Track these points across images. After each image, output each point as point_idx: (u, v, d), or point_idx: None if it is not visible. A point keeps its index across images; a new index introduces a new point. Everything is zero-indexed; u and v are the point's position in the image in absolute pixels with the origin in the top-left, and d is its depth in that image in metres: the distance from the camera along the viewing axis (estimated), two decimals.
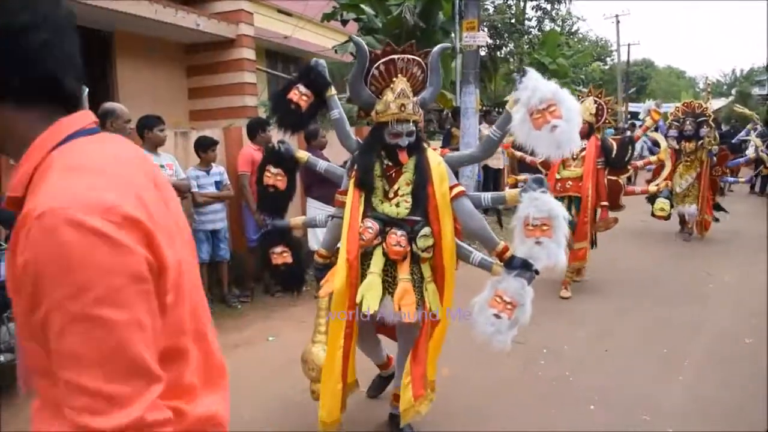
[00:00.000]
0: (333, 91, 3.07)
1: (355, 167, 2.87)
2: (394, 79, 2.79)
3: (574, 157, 5.54)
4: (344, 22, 11.43)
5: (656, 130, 7.83)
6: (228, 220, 5.53)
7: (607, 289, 5.96)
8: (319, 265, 3.19)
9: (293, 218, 3.29)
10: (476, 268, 2.91)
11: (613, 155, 5.61)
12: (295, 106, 3.00)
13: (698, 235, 8.31)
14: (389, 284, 2.82)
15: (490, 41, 14.53)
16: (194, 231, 5.31)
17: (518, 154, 6.10)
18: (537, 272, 2.70)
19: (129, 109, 4.43)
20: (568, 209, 5.38)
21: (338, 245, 2.95)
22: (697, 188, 8.05)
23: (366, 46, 2.79)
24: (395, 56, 2.79)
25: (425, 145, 2.94)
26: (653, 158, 6.68)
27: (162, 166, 4.66)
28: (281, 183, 3.09)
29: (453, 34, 11.15)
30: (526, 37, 19.67)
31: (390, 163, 2.84)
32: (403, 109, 2.73)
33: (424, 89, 2.93)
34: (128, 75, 9.52)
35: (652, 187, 6.67)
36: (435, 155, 2.88)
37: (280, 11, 12.11)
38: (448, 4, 10.62)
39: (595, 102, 5.69)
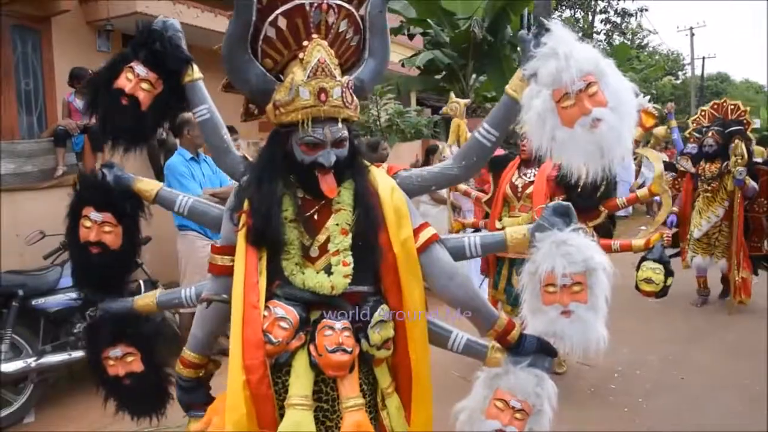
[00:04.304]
0: (196, 72, 1.87)
1: (245, 207, 1.65)
2: (306, 42, 1.60)
3: (519, 195, 3.85)
4: (411, 37, 11.55)
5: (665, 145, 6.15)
6: None
7: (681, 309, 5.70)
8: (184, 382, 1.93)
9: (141, 296, 2.01)
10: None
11: (579, 190, 3.45)
12: (129, 100, 1.80)
13: (734, 302, 5.52)
14: (326, 413, 1.64)
15: None
16: None
17: (462, 187, 4.31)
18: (556, 354, 1.78)
19: None
20: (508, 278, 3.87)
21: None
22: (726, 233, 5.52)
23: None
24: (306, 0, 1.61)
25: (365, 161, 1.76)
26: (641, 192, 3.89)
27: None
28: (110, 237, 1.88)
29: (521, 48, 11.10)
30: None
31: (308, 196, 1.66)
32: (323, 97, 1.56)
33: (360, 63, 1.75)
34: None
35: (638, 241, 3.59)
36: (384, 177, 1.75)
37: None
38: (517, 17, 10.58)
39: None
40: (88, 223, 1.87)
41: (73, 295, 3.76)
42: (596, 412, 3.62)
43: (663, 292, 3.13)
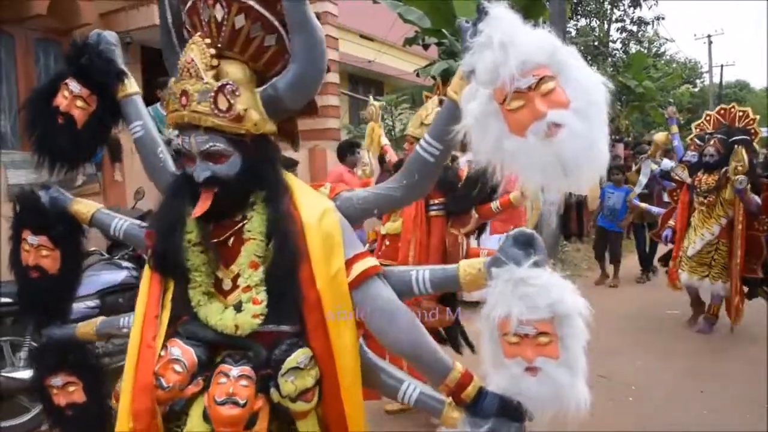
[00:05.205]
0: (130, 86, 1.76)
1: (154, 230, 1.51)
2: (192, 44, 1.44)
3: None
4: (425, 47, 11.59)
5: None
6: None
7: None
8: None
9: (83, 323, 1.92)
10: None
11: (456, 192, 3.19)
12: (64, 118, 1.71)
13: (732, 324, 5.12)
14: None
15: None
16: None
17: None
18: (522, 419, 1.38)
19: None
20: None
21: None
22: (723, 252, 4.92)
23: None
24: None
25: (285, 178, 1.51)
26: (514, 195, 3.33)
27: None
28: (48, 262, 1.79)
29: None
30: (610, 59, 19.20)
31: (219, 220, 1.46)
32: (184, 101, 1.37)
33: (283, 69, 1.47)
34: None
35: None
36: (314, 199, 1.50)
37: (363, 36, 12.45)
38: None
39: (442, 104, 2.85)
40: (26, 247, 1.80)
41: (91, 303, 3.82)
42: (613, 426, 3.58)
43: None
